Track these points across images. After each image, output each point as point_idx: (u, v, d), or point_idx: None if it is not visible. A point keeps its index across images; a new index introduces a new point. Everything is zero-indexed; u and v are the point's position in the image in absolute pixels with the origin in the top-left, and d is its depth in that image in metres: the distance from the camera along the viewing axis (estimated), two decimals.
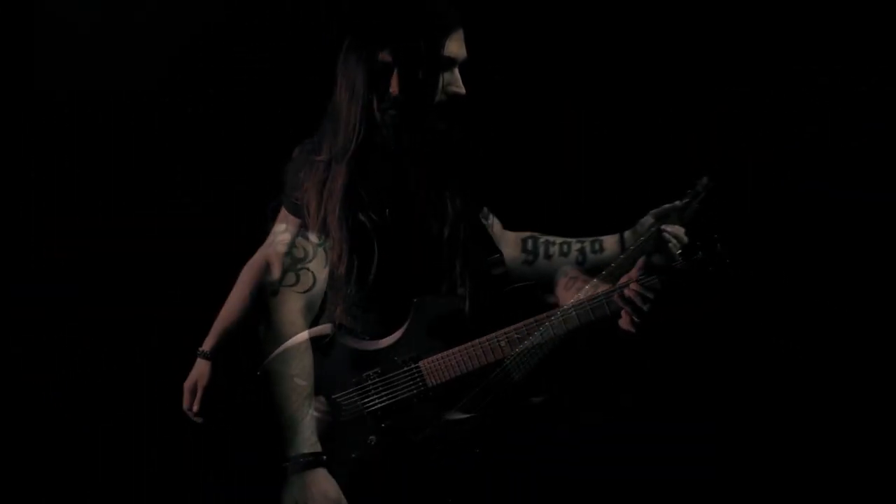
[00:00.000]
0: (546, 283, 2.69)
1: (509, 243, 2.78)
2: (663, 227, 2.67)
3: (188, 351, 3.17)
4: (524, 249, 2.77)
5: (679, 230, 2.69)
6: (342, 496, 2.39)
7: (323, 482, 2.38)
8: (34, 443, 3.25)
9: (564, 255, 2.73)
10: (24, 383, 3.24)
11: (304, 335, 2.44)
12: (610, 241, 2.73)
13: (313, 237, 2.47)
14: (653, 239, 2.67)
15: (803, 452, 3.60)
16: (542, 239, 2.77)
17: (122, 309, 3.32)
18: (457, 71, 2.54)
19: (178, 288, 3.35)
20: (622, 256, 2.65)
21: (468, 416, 2.49)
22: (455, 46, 2.51)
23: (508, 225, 2.83)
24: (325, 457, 2.39)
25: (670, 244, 2.64)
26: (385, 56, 2.46)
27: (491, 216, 2.79)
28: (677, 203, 2.72)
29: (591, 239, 2.74)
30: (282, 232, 2.47)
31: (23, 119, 3.19)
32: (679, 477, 3.61)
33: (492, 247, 2.68)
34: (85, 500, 3.28)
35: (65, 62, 3.21)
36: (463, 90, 2.54)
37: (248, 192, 3.03)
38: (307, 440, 2.39)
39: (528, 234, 2.79)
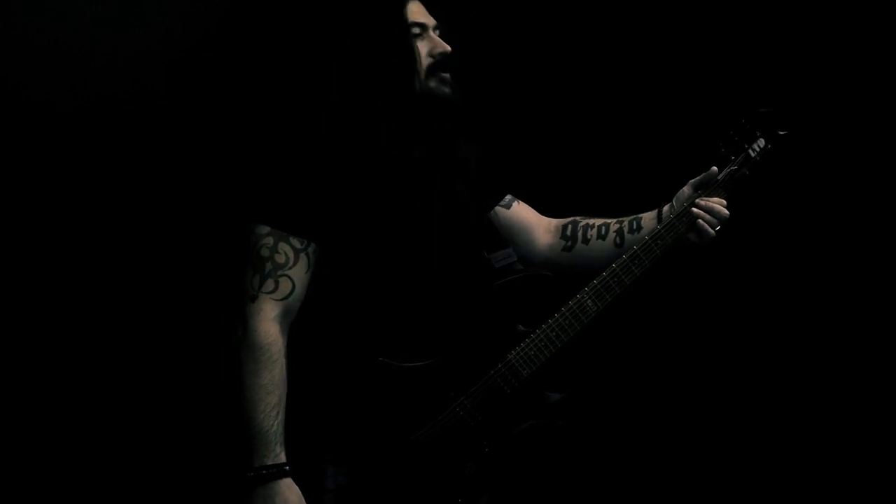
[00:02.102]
0: (589, 271, 2.62)
1: (547, 230, 2.77)
2: (696, 201, 2.56)
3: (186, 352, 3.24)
4: (563, 235, 2.74)
5: (716, 204, 2.56)
6: None
7: (286, 492, 2.35)
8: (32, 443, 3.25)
9: (602, 237, 2.68)
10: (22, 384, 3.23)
11: (278, 344, 2.41)
12: (648, 219, 2.66)
13: (296, 242, 2.44)
14: (685, 216, 2.55)
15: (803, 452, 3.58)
16: (582, 223, 2.73)
17: (121, 310, 3.32)
18: (434, 34, 2.56)
19: (180, 289, 3.35)
20: (648, 238, 2.54)
21: (565, 393, 2.51)
22: (418, 15, 2.55)
23: (551, 211, 2.81)
24: (288, 468, 2.36)
25: (700, 221, 2.55)
26: (353, 52, 2.51)
27: (514, 204, 2.78)
28: (714, 170, 2.58)
29: (629, 218, 2.68)
30: (266, 235, 2.43)
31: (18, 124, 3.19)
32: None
33: (497, 240, 2.66)
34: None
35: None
36: (448, 48, 2.53)
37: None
38: (272, 451, 2.35)
39: (570, 219, 2.76)
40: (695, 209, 2.56)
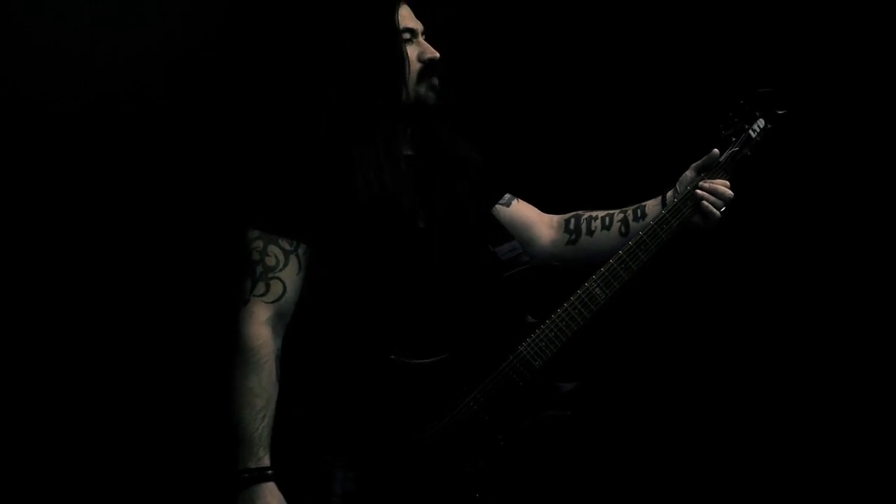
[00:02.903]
0: (591, 262, 2.61)
1: (549, 226, 2.77)
2: (700, 183, 2.56)
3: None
4: (566, 229, 2.75)
5: (719, 186, 2.56)
6: None
7: (267, 496, 2.35)
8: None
9: (607, 228, 2.68)
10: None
11: (268, 347, 2.41)
12: (652, 205, 2.66)
13: (285, 243, 2.44)
14: (689, 199, 2.55)
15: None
16: (585, 216, 2.74)
17: (122, 310, 3.32)
18: (423, 40, 2.56)
19: (180, 290, 3.35)
20: (653, 223, 2.54)
21: (576, 382, 2.51)
22: (407, 20, 2.55)
23: (553, 205, 2.81)
24: (271, 472, 2.37)
25: (703, 202, 2.54)
26: (348, 56, 2.52)
27: (514, 202, 2.79)
28: (715, 152, 2.58)
29: (633, 206, 2.68)
30: (256, 238, 2.44)
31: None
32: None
33: (502, 235, 2.66)
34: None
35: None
36: (437, 54, 2.54)
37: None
38: (255, 455, 2.36)
39: (571, 213, 2.77)
40: (699, 191, 2.55)
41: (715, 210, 2.54)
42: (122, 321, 3.29)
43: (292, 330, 2.49)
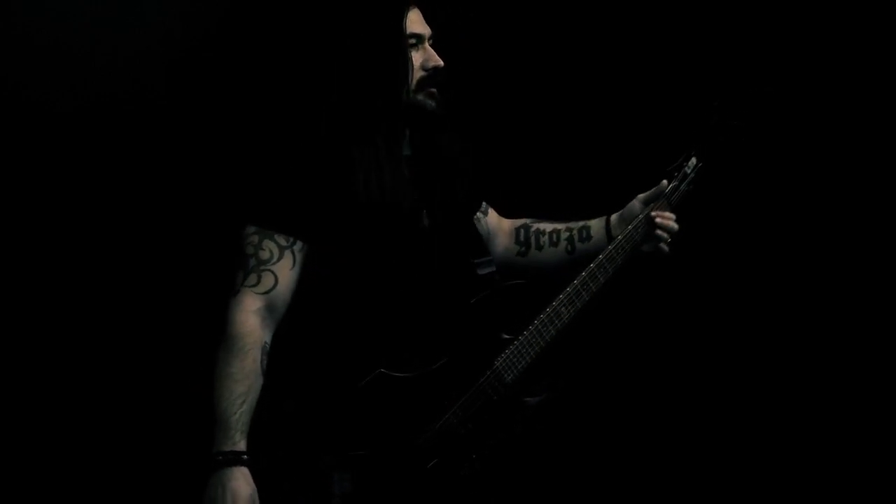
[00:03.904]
0: (541, 275, 2.71)
1: (506, 234, 2.84)
2: (653, 213, 2.67)
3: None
4: (517, 240, 2.82)
5: (668, 218, 2.68)
6: (256, 499, 2.37)
7: (238, 479, 2.36)
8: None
9: (554, 244, 2.78)
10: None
11: (254, 335, 2.42)
12: (597, 227, 2.76)
13: (281, 239, 2.45)
14: (642, 226, 2.67)
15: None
16: (534, 228, 2.81)
17: (122, 310, 3.32)
18: (429, 47, 2.57)
19: (180, 289, 3.35)
20: (610, 248, 2.64)
21: (542, 396, 2.57)
22: (416, 25, 2.55)
23: (504, 211, 2.86)
24: (245, 456, 2.37)
25: (658, 231, 2.66)
26: (350, 56, 2.53)
27: (490, 210, 2.84)
28: (664, 184, 2.70)
29: (578, 226, 2.77)
30: (252, 233, 2.45)
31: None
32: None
33: (481, 246, 2.68)
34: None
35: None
36: (441, 62, 2.56)
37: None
38: (230, 438, 2.37)
39: (521, 222, 2.84)
40: (652, 221, 2.67)
41: (666, 237, 2.68)
42: (123, 320, 3.30)
43: (290, 328, 2.49)
